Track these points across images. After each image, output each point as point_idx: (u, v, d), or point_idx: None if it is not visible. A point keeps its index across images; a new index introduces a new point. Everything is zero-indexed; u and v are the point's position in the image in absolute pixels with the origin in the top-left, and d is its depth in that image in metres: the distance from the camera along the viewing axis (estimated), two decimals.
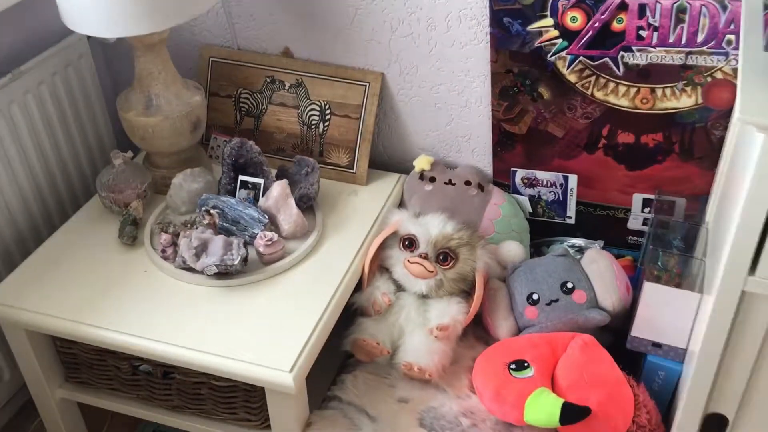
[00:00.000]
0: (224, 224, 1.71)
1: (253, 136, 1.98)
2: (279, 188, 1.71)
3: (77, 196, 1.99)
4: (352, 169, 1.92)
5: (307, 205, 1.79)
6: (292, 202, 1.71)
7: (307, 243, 1.70)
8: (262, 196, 1.77)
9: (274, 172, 1.84)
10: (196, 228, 1.68)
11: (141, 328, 1.52)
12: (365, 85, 1.88)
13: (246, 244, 1.62)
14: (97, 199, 1.83)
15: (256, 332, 1.51)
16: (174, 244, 1.68)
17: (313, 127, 1.93)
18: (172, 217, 1.80)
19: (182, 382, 1.59)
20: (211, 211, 1.67)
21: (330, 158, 1.93)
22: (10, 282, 1.63)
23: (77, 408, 1.82)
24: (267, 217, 1.69)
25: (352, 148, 1.90)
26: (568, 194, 1.85)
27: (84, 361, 1.66)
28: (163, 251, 1.67)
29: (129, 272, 1.65)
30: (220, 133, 2.02)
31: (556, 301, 1.60)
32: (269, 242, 1.63)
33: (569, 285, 1.61)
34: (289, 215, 1.70)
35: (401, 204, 1.90)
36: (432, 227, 1.68)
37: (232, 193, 1.80)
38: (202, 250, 1.61)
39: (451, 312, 1.62)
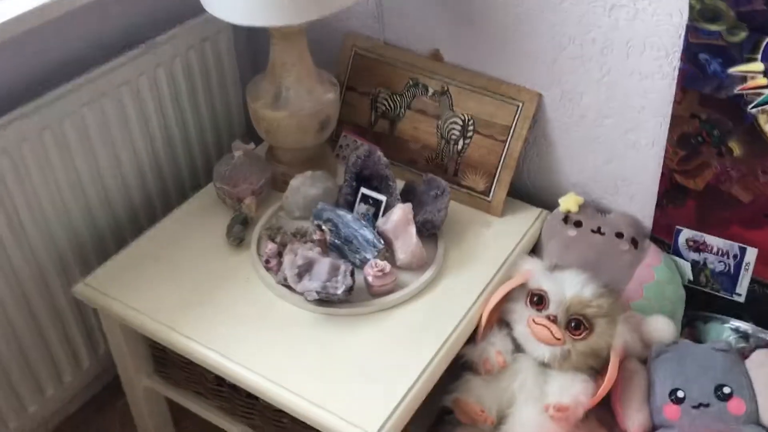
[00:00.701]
0: (336, 241, 1.55)
1: (385, 141, 1.81)
2: (401, 213, 1.52)
3: (198, 177, 1.90)
4: (488, 196, 1.70)
5: (429, 232, 1.60)
6: (413, 230, 1.52)
7: (422, 278, 1.51)
8: (382, 215, 1.59)
9: (400, 185, 1.65)
10: (305, 242, 1.53)
11: (228, 347, 1.40)
12: (518, 105, 1.64)
13: (354, 271, 1.45)
14: (211, 189, 1.72)
15: (347, 376, 1.35)
16: (279, 255, 1.54)
17: (452, 142, 1.72)
18: (284, 221, 1.66)
19: (265, 405, 1.46)
20: (323, 227, 1.52)
21: (465, 180, 1.72)
22: (110, 267, 1.57)
23: (163, 396, 1.75)
24: (383, 242, 1.51)
25: (492, 173, 1.68)
26: (742, 268, 1.54)
27: (173, 361, 1.58)
28: (267, 261, 1.54)
29: (229, 277, 1.54)
30: (352, 131, 1.85)
31: (707, 405, 1.33)
32: (380, 273, 1.45)
33: (726, 390, 1.33)
34: (408, 244, 1.52)
35: (537, 245, 1.66)
36: (568, 286, 1.44)
37: (351, 206, 1.63)
38: (306, 270, 1.46)
39: (574, 390, 1.39)
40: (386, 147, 1.79)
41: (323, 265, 1.45)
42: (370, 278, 1.46)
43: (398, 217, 1.52)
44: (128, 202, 1.75)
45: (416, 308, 1.48)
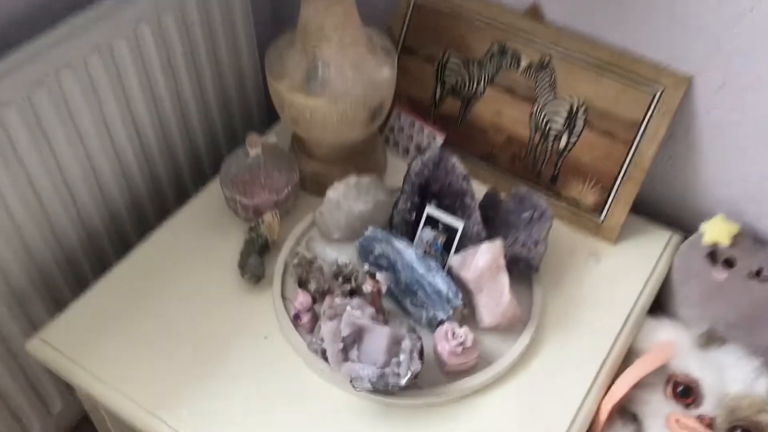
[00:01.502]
0: (392, 289, 1.11)
1: (454, 127, 1.32)
2: (489, 257, 1.07)
3: (203, 171, 1.43)
4: (599, 215, 1.23)
5: (521, 273, 1.15)
6: (505, 281, 1.07)
7: (515, 348, 1.08)
8: (456, 247, 1.13)
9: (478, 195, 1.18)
10: (348, 291, 1.09)
11: None
12: (656, 91, 1.15)
13: (422, 348, 1.01)
14: (219, 188, 1.26)
15: None
16: (314, 300, 1.10)
17: (551, 136, 1.24)
18: (318, 247, 1.21)
19: None
20: (378, 277, 1.07)
21: (566, 190, 1.25)
22: (75, 314, 1.14)
23: None
24: (461, 297, 1.07)
25: (608, 184, 1.21)
26: None
27: None
28: (297, 317, 1.10)
29: (241, 334, 1.11)
30: (408, 109, 1.37)
31: None
32: (460, 347, 1.02)
33: None
34: (497, 302, 1.07)
35: (665, 286, 1.21)
36: (732, 376, 1.01)
37: (411, 228, 1.18)
38: (353, 341, 1.02)
39: None
40: (454, 136, 1.32)
41: (379, 337, 1.01)
42: (444, 354, 1.03)
43: (486, 262, 1.07)
44: (107, 210, 1.29)
45: (507, 395, 1.05)
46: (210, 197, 1.30)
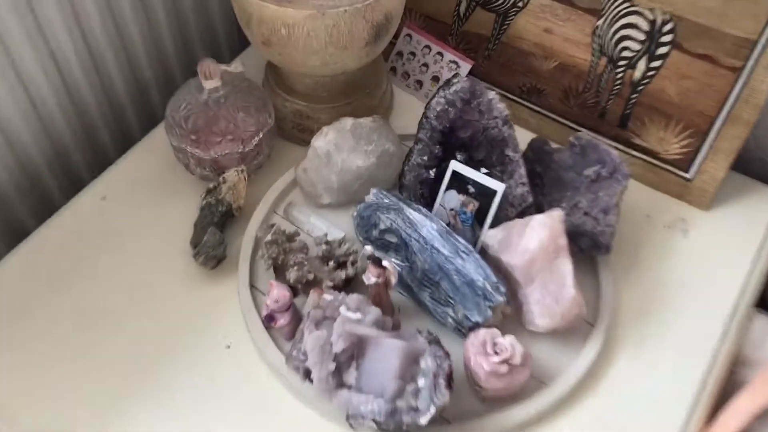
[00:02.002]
0: (405, 278, 0.79)
1: (484, 51, 0.99)
2: (544, 234, 0.75)
3: (149, 110, 1.10)
4: (687, 171, 0.91)
5: (582, 254, 0.83)
6: (567, 267, 0.76)
7: (579, 363, 0.77)
8: (492, 220, 0.82)
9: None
10: (340, 281, 0.78)
11: None
12: None
13: (451, 375, 0.70)
14: (164, 135, 0.94)
15: None
16: (295, 293, 0.79)
17: (622, 62, 0.90)
18: (303, 216, 0.89)
19: None
20: (385, 263, 0.75)
21: (641, 137, 0.93)
22: None
23: None
24: (504, 289, 0.75)
25: (702, 128, 0.88)
26: None
27: None
28: (271, 318, 0.78)
29: (192, 340, 0.80)
30: (417, 26, 1.03)
31: None
32: (504, 365, 0.71)
33: None
34: (556, 299, 0.76)
35: None
36: None
37: (430, 191, 0.86)
38: (350, 357, 0.71)
39: None
40: (485, 63, 0.99)
41: (388, 354, 0.70)
42: (481, 374, 0.72)
43: (540, 242, 0.75)
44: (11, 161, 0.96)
45: (570, 429, 0.75)
46: (155, 148, 0.98)
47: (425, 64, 1.03)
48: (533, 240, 0.75)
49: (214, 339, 0.80)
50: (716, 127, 0.87)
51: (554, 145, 0.89)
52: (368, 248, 0.76)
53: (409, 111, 1.03)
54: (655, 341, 0.80)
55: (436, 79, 1.03)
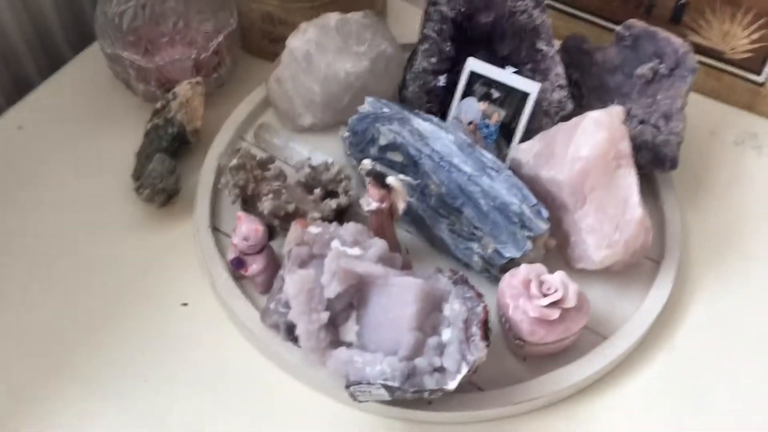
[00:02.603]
0: (415, 205, 0.61)
1: None
2: (602, 136, 0.57)
3: (83, 28, 0.90)
4: (759, 73, 0.74)
5: (641, 172, 0.65)
6: (632, 180, 0.58)
7: (647, 308, 0.60)
8: (524, 130, 0.64)
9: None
10: (332, 207, 0.60)
11: None
12: None
13: (487, 321, 0.52)
14: (98, 52, 0.75)
15: None
16: (270, 234, 0.61)
17: None
18: (279, 140, 0.71)
19: None
20: (390, 181, 0.57)
21: (697, 32, 0.76)
22: None
23: None
24: (547, 214, 0.58)
25: None
26: None
27: None
28: (239, 263, 0.60)
29: (140, 296, 0.62)
30: None
31: None
32: (555, 309, 0.53)
33: None
34: (617, 224, 0.58)
35: None
36: None
37: (439, 103, 0.68)
38: (348, 305, 0.53)
39: None
40: None
41: (400, 297, 0.52)
42: (524, 323, 0.54)
43: (597, 147, 0.57)
44: None
45: (639, 394, 0.57)
46: (91, 65, 0.79)
47: None
48: (587, 144, 0.57)
49: (166, 295, 0.62)
50: None
51: (593, 45, 0.72)
52: (367, 162, 0.58)
53: (403, 20, 0.85)
54: (739, 278, 0.63)
55: None
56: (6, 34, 0.80)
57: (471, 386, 0.55)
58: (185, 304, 0.61)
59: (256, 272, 0.60)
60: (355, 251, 0.55)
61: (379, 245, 0.55)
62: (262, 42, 0.79)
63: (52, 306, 0.61)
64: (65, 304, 0.61)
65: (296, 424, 0.55)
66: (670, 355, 0.59)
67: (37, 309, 0.61)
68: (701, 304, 0.62)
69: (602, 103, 0.69)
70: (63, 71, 0.79)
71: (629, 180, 0.58)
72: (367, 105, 0.66)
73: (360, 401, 0.51)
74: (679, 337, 0.60)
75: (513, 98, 0.65)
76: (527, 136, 0.65)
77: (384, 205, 0.58)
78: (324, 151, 0.70)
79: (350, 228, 0.56)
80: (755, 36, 0.73)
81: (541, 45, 0.66)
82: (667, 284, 0.61)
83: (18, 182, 0.69)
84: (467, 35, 0.67)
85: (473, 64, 0.66)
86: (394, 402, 0.53)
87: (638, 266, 0.63)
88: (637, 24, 0.68)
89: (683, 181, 0.69)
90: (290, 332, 0.56)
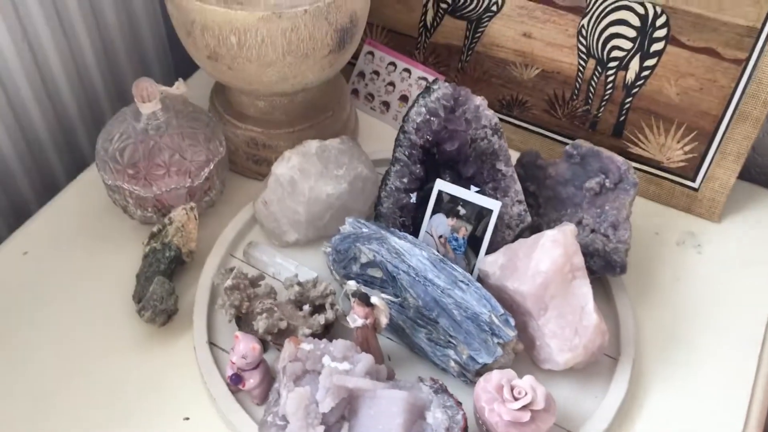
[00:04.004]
0: (395, 318, 0.68)
1: (456, 63, 0.91)
2: (557, 252, 0.66)
3: (75, 150, 0.98)
4: (694, 179, 0.83)
5: (593, 276, 0.74)
6: (586, 290, 0.66)
7: (607, 403, 0.67)
8: (488, 245, 0.72)
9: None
10: (320, 323, 0.67)
11: None
12: None
13: (462, 415, 0.59)
14: (92, 178, 0.82)
15: None
16: (264, 363, 0.67)
17: (611, 63, 0.83)
18: (266, 256, 0.78)
19: None
20: (374, 300, 0.64)
21: (637, 145, 0.86)
22: None
23: None
24: (513, 324, 0.65)
25: (706, 131, 0.82)
26: None
27: None
28: (237, 378, 0.66)
29: (142, 413, 0.67)
30: (379, 42, 0.95)
31: None
32: (526, 412, 0.60)
33: None
34: (575, 330, 0.66)
35: None
36: None
37: (411, 218, 0.76)
38: (340, 418, 0.59)
39: None
40: (459, 77, 0.92)
41: (387, 409, 0.59)
42: (499, 425, 0.61)
43: (554, 263, 0.65)
44: None
45: None
46: (85, 193, 0.86)
47: (391, 83, 0.94)
48: (545, 260, 0.65)
49: (169, 411, 0.67)
50: (722, 128, 0.80)
51: (545, 161, 0.81)
52: (351, 283, 0.65)
53: (375, 136, 0.94)
54: (688, 368, 0.71)
55: (404, 98, 0.94)
56: (4, 160, 0.87)
57: None
58: (187, 419, 0.67)
59: (254, 386, 0.66)
60: (345, 366, 0.61)
61: (365, 360, 0.62)
62: (247, 163, 0.87)
63: (61, 425, 0.66)
64: (71, 421, 0.66)
65: None
66: None
67: (42, 424, 0.66)
68: (656, 394, 0.69)
69: (557, 211, 0.78)
70: (61, 196, 0.86)
71: (584, 289, 0.66)
72: (348, 225, 0.73)
73: None
74: (639, 428, 0.67)
75: (478, 214, 0.73)
76: (492, 246, 0.73)
77: (368, 320, 0.65)
78: (308, 265, 0.77)
79: (339, 344, 0.63)
80: (688, 147, 0.83)
81: (501, 166, 0.75)
82: (625, 379, 0.68)
83: (27, 305, 0.74)
84: (435, 158, 0.76)
85: (441, 185, 0.74)
86: None
87: (598, 363, 0.70)
88: (584, 144, 0.77)
89: (632, 280, 0.77)
90: None
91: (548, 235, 0.66)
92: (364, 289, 0.65)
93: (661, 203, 0.86)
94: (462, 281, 0.68)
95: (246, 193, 0.85)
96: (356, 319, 0.65)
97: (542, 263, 0.65)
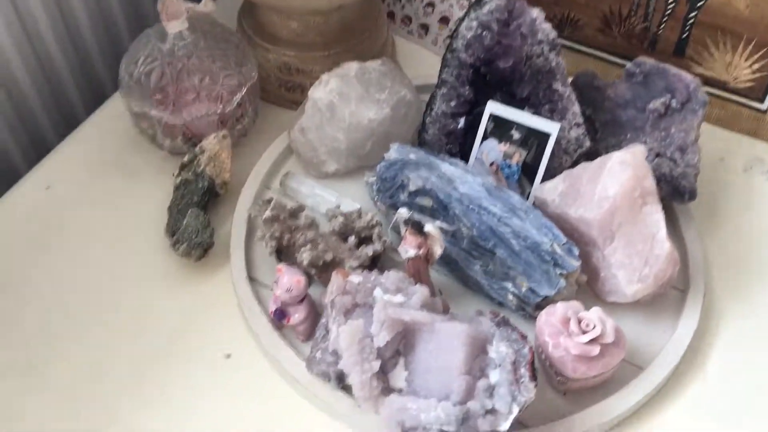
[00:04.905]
0: (449, 253, 0.64)
1: None
2: (626, 175, 0.61)
3: (96, 78, 0.93)
4: (762, 100, 0.78)
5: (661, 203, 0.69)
6: (658, 216, 0.61)
7: (678, 335, 0.63)
8: (545, 170, 0.67)
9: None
10: (369, 254, 0.63)
11: None
12: None
13: (529, 348, 0.55)
14: (119, 106, 0.77)
15: None
16: (309, 297, 0.63)
17: None
18: (305, 188, 0.73)
19: None
20: (428, 228, 0.59)
21: (700, 65, 0.80)
22: None
23: None
24: (577, 253, 0.61)
25: None
26: None
27: None
28: (281, 314, 0.62)
29: (181, 350, 0.64)
30: None
31: None
32: (594, 345, 0.56)
33: None
34: (645, 259, 0.61)
35: None
36: None
37: (459, 145, 0.71)
38: (396, 353, 0.55)
39: None
40: None
41: (447, 344, 0.55)
42: (566, 360, 0.57)
43: (623, 186, 0.61)
44: None
45: (676, 417, 0.60)
46: (109, 124, 0.81)
47: (430, 4, 0.88)
48: (613, 184, 0.60)
49: (209, 349, 0.64)
50: None
51: (602, 81, 0.76)
52: (403, 210, 0.61)
53: (413, 63, 0.88)
54: (759, 300, 0.67)
55: (445, 20, 0.88)
56: (22, 93, 0.82)
57: (517, 424, 0.58)
58: (228, 356, 0.64)
59: (299, 321, 0.62)
60: (399, 298, 0.57)
61: (421, 292, 0.58)
62: (279, 90, 0.82)
63: (92, 361, 0.63)
64: (106, 359, 0.63)
65: None
66: (704, 382, 0.62)
67: (77, 365, 0.63)
68: (728, 329, 0.65)
69: (616, 137, 0.73)
70: (82, 129, 0.81)
71: (655, 216, 0.61)
72: (393, 152, 0.69)
73: None
74: (710, 364, 0.63)
75: (533, 138, 0.68)
76: (548, 174, 0.69)
77: (422, 251, 0.60)
78: (349, 196, 0.73)
79: (392, 276, 0.59)
80: (756, 66, 0.77)
81: (558, 86, 0.69)
82: (695, 313, 0.64)
83: (52, 241, 0.71)
84: (486, 79, 0.71)
85: (493, 107, 0.69)
86: None
87: (664, 297, 0.66)
88: (648, 61, 0.71)
89: (699, 209, 0.73)
90: (341, 380, 0.58)
91: (616, 157, 0.61)
92: (416, 216, 0.60)
93: (726, 127, 0.81)
94: (520, 209, 0.63)
95: (279, 123, 0.80)
96: (408, 250, 0.61)
97: (610, 187, 0.61)
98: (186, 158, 0.72)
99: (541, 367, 0.61)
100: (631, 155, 0.61)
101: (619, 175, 0.61)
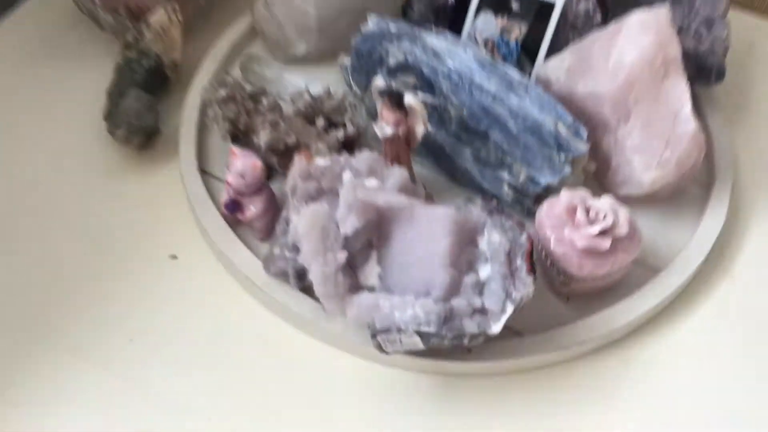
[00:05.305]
0: (434, 138, 0.54)
1: None
2: (648, 40, 0.51)
3: None
4: None
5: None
6: (682, 88, 0.51)
7: (700, 234, 0.54)
8: (549, 47, 0.58)
9: None
10: (339, 137, 0.53)
11: None
12: None
13: (527, 236, 0.45)
14: None
15: None
16: (267, 187, 0.54)
17: None
18: (270, 72, 0.63)
19: None
20: (408, 100, 0.50)
21: None
22: None
23: None
24: (585, 135, 0.51)
25: None
26: None
27: None
28: (235, 205, 0.53)
29: (123, 251, 0.54)
30: None
31: None
32: (606, 237, 0.47)
33: None
34: (667, 139, 0.52)
35: None
36: None
37: (450, 23, 0.61)
38: (368, 245, 0.46)
39: None
40: None
41: (428, 230, 0.45)
42: (571, 255, 0.48)
43: (642, 53, 0.51)
44: None
45: (698, 326, 0.51)
46: (47, 3, 0.71)
47: None
48: (630, 50, 0.51)
49: (153, 248, 0.55)
50: None
51: None
52: (379, 79, 0.51)
53: None
54: None
55: None
56: None
57: (508, 331, 0.49)
58: (174, 257, 0.54)
59: (255, 215, 0.53)
60: (372, 182, 0.48)
61: (398, 174, 0.48)
62: None
63: (27, 263, 0.54)
64: (42, 261, 0.54)
65: (310, 384, 0.49)
66: (732, 285, 0.53)
67: (12, 267, 0.54)
68: (759, 228, 0.56)
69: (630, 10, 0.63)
70: (19, 10, 0.71)
71: (679, 89, 0.51)
72: (371, 24, 0.59)
73: (388, 353, 0.45)
74: (738, 266, 0.54)
75: (536, 11, 0.58)
76: (552, 52, 0.59)
77: (401, 129, 0.51)
78: (322, 83, 0.63)
79: (364, 157, 0.49)
80: None
81: None
82: (722, 209, 0.55)
83: None
84: None
85: None
86: (427, 353, 0.47)
87: (685, 192, 0.57)
88: None
89: (725, 97, 0.63)
90: (301, 279, 0.49)
91: (635, 19, 0.51)
92: (395, 86, 0.51)
93: (753, 12, 0.71)
94: (520, 85, 0.54)
95: (240, 3, 0.69)
96: (384, 127, 0.51)
97: (626, 54, 0.51)
98: (130, 36, 0.62)
99: (540, 269, 0.52)
100: (654, 17, 0.51)
101: (639, 39, 0.51)
